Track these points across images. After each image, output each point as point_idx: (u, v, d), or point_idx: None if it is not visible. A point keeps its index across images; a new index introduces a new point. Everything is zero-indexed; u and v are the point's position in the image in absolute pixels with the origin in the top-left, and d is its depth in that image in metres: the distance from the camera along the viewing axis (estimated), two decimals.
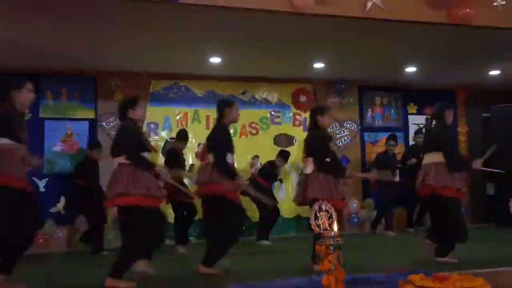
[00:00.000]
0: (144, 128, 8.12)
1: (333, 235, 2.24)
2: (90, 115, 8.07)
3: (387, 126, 9.51)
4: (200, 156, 5.15)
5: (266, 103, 9.00)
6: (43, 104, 7.89)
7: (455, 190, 4.97)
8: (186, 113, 8.52)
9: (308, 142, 5.12)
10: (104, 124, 8.10)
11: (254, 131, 8.86)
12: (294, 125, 9.09)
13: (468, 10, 4.99)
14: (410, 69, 8.52)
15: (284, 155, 7.78)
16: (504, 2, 5.12)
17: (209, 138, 4.99)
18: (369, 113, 9.53)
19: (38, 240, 7.38)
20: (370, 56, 7.62)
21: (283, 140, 8.32)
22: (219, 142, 4.88)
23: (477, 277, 2.43)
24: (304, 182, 5.00)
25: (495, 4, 5.13)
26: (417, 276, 2.49)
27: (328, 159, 4.95)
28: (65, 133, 7.94)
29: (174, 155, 6.75)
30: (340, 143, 9.22)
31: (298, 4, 4.52)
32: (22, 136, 4.00)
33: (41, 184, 7.72)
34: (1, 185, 3.82)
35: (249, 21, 5.62)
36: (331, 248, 2.21)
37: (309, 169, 4.94)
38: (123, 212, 4.21)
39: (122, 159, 4.18)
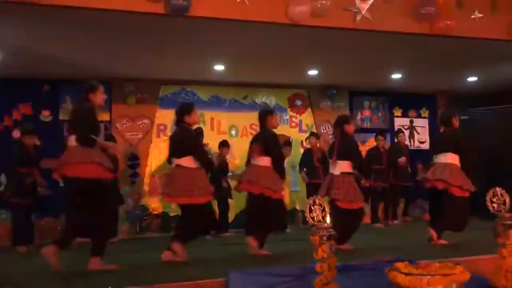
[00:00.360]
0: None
1: (326, 226, 2.24)
2: (105, 117, 8.06)
3: (375, 128, 9.51)
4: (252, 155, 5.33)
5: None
6: (63, 107, 7.90)
7: (464, 190, 5.25)
8: None
9: (339, 147, 5.31)
10: (118, 125, 8.10)
11: (254, 132, 8.83)
12: (290, 126, 9.11)
13: (449, 22, 4.99)
14: (396, 76, 8.52)
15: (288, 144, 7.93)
16: (481, 15, 5.12)
17: (262, 142, 5.18)
18: (359, 116, 9.54)
19: (58, 231, 7.39)
20: (359, 64, 7.62)
21: (317, 137, 8.33)
22: (276, 148, 5.26)
23: (457, 265, 2.43)
24: (330, 181, 5.24)
25: (473, 16, 5.13)
26: (402, 263, 2.49)
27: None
28: None
29: None
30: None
31: (293, 17, 4.52)
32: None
33: (61, 180, 7.70)
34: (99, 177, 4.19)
35: (249, 33, 5.62)
36: (324, 238, 2.22)
37: (338, 171, 5.23)
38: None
39: (186, 161, 4.65)
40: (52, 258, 4.06)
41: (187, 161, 4.70)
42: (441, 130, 5.80)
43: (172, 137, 5.10)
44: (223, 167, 7.58)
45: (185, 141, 4.80)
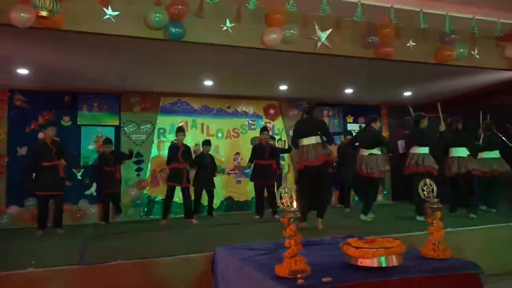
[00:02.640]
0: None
1: (293, 210, 2.24)
2: (116, 122, 7.94)
3: (332, 132, 9.55)
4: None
5: (245, 114, 8.98)
6: (81, 114, 7.74)
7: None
8: (186, 122, 8.45)
9: (370, 137, 5.96)
10: (125, 129, 7.98)
11: (236, 135, 8.85)
12: None
13: (389, 49, 5.05)
14: (348, 90, 8.60)
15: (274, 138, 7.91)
16: (414, 44, 5.20)
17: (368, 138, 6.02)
18: None
19: (76, 215, 7.26)
20: (320, 81, 7.67)
21: (273, 138, 8.22)
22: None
23: (395, 240, 2.46)
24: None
25: (408, 45, 5.21)
26: (353, 239, 2.50)
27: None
28: (97, 136, 7.80)
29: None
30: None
31: (267, 43, 4.52)
32: None
33: (78, 173, 7.58)
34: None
35: (233, 55, 5.60)
36: (292, 219, 2.21)
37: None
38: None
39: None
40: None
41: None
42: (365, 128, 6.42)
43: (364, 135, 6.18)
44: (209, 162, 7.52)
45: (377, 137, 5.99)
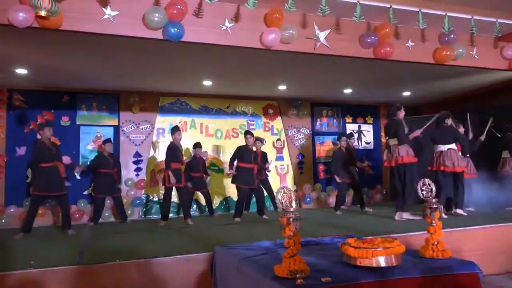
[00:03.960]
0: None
1: (292, 210, 2.24)
2: (114, 122, 7.94)
3: (331, 131, 9.60)
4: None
5: (244, 114, 8.98)
6: (79, 114, 7.73)
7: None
8: (185, 122, 8.44)
9: (393, 127, 5.99)
10: (124, 129, 7.97)
11: (235, 135, 8.84)
12: (264, 130, 9.09)
13: (388, 49, 5.04)
14: (347, 91, 8.61)
15: (261, 141, 7.74)
16: (413, 44, 5.20)
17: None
18: (318, 122, 9.59)
19: (75, 215, 7.24)
20: (319, 81, 7.67)
21: (261, 141, 8.25)
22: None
23: (395, 240, 2.46)
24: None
25: (407, 45, 5.21)
26: (352, 239, 2.51)
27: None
28: (95, 136, 7.79)
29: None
30: (298, 143, 9.27)
31: (266, 43, 4.51)
32: None
33: (77, 173, 7.56)
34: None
35: (231, 55, 5.60)
36: (291, 219, 2.21)
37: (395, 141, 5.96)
38: None
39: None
40: None
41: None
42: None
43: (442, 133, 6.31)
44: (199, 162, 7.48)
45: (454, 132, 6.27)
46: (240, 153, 6.88)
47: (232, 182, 6.90)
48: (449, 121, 6.37)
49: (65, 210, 5.89)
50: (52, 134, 5.94)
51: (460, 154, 6.26)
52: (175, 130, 6.71)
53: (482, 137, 7.18)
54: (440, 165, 6.13)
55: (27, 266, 3.41)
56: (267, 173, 7.78)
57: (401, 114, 6.11)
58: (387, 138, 6.20)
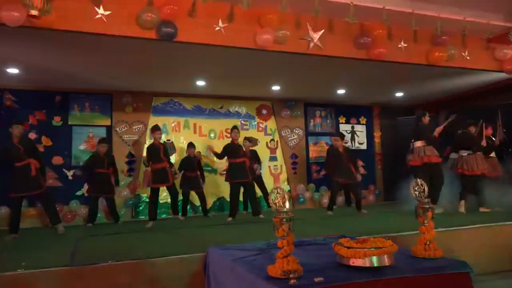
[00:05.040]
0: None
1: (285, 210, 2.24)
2: (107, 122, 7.88)
3: (325, 132, 9.61)
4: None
5: (238, 114, 8.96)
6: (72, 114, 7.67)
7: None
8: (179, 122, 8.42)
9: (420, 130, 6.67)
10: (117, 129, 7.93)
11: (228, 135, 8.81)
12: (257, 130, 9.08)
13: (381, 50, 5.08)
14: (341, 91, 8.63)
15: (251, 140, 7.79)
16: (406, 45, 5.24)
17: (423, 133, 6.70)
18: (312, 123, 9.61)
19: (67, 216, 7.18)
20: (312, 82, 7.68)
21: (250, 141, 8.25)
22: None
23: (387, 240, 2.47)
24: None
25: (399, 46, 5.24)
26: (345, 239, 2.51)
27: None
28: (88, 136, 7.73)
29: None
30: (291, 144, 9.28)
31: (260, 43, 4.52)
32: None
33: (69, 173, 7.50)
34: None
35: (225, 55, 5.60)
36: (284, 220, 2.21)
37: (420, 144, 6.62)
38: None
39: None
40: None
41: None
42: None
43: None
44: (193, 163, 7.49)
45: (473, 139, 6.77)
46: (227, 150, 6.96)
47: (226, 180, 7.00)
48: (427, 119, 6.89)
49: (48, 207, 5.74)
50: (23, 132, 5.77)
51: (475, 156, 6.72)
52: (154, 129, 6.74)
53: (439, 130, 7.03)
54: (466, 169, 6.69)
55: (17, 267, 3.37)
56: (260, 171, 7.82)
57: (426, 119, 6.79)
58: (412, 140, 6.81)
